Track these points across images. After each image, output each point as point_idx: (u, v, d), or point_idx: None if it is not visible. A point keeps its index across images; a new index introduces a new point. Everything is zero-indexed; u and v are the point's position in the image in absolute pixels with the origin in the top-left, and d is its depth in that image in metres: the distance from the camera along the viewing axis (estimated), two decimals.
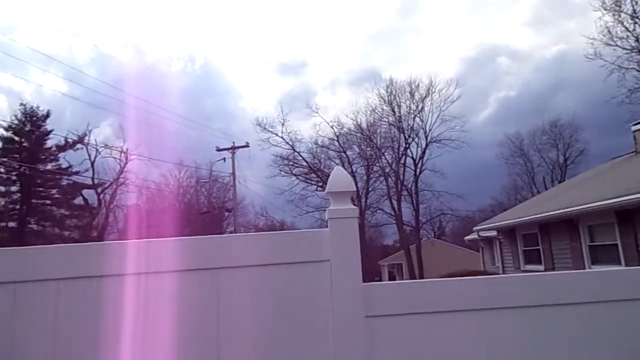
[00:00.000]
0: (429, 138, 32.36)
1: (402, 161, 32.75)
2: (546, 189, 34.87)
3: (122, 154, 33.71)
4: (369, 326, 2.06)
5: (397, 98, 32.85)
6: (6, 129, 30.63)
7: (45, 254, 2.06)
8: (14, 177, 30.75)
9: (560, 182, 34.01)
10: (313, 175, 33.46)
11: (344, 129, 33.26)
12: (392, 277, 38.84)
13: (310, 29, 62.57)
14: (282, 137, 32.33)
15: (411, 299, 2.13)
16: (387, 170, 33.09)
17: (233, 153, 30.41)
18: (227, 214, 35.64)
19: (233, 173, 30.41)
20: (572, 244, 12.97)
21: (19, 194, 30.69)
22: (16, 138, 31.11)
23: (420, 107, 32.52)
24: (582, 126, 40.13)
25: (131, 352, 1.98)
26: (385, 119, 33.28)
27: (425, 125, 32.58)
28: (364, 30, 64.67)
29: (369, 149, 33.63)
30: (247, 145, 30.90)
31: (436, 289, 2.19)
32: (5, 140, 30.81)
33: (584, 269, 11.76)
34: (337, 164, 33.28)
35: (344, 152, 33.41)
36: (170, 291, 2.04)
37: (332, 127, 33.12)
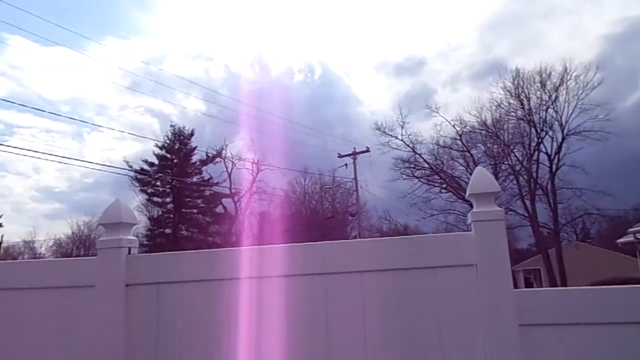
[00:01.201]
0: (565, 130, 28.99)
1: (534, 157, 29.90)
2: None
3: (254, 165, 36.66)
4: (524, 336, 1.96)
5: (526, 90, 30.12)
6: (160, 148, 35.57)
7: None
8: (168, 190, 35.45)
9: None
10: (436, 177, 32.35)
11: (467, 127, 31.53)
12: (528, 284, 35.64)
13: (425, 25, 60.82)
14: (402, 140, 31.76)
15: (572, 308, 1.97)
16: (518, 168, 30.50)
17: (354, 159, 30.99)
18: (350, 218, 36.31)
19: (355, 178, 30.98)
20: None
21: (172, 205, 35.26)
22: (168, 156, 35.88)
23: (553, 97, 29.35)
24: None
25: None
26: (513, 114, 30.74)
27: (561, 117, 29.26)
28: (483, 21, 60.78)
29: (495, 146, 31.37)
30: (367, 150, 31.22)
31: (600, 297, 1.99)
32: (160, 158, 35.69)
33: None
34: (461, 165, 31.77)
35: (468, 152, 31.63)
36: (314, 292, 2.18)
37: (453, 126, 31.61)
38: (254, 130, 36.22)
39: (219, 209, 37.05)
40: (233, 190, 36.66)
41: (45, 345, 2.47)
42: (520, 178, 30.35)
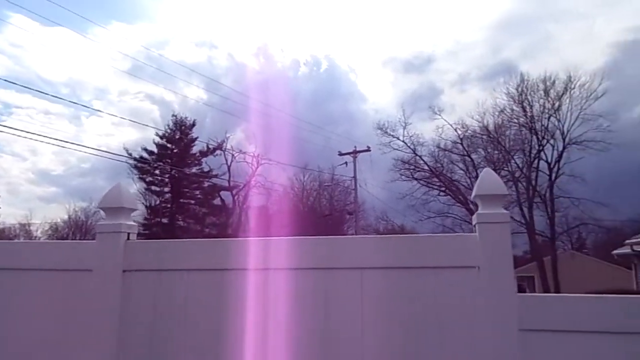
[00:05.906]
0: (567, 140, 28.95)
1: (534, 165, 29.94)
2: None
3: (254, 159, 36.59)
4: (523, 340, 1.94)
5: (529, 97, 30.06)
6: (161, 137, 35.43)
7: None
8: (167, 179, 35.39)
9: None
10: (435, 179, 32.36)
11: (469, 132, 31.50)
12: (521, 290, 35.72)
13: (436, 21, 59.36)
14: (403, 141, 31.71)
15: (573, 315, 1.95)
16: (517, 174, 30.52)
17: (355, 157, 30.99)
18: (348, 217, 36.32)
19: (354, 177, 30.97)
20: None
21: (170, 194, 35.21)
22: (168, 145, 35.75)
23: (556, 105, 29.28)
24: None
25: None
26: (515, 120, 30.73)
27: (563, 126, 29.23)
28: (494, 21, 59.44)
29: (496, 152, 31.39)
30: (368, 150, 31.21)
31: (598, 305, 1.97)
32: (160, 147, 35.56)
33: None
34: (461, 169, 31.77)
35: (469, 156, 31.57)
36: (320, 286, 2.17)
37: (455, 129, 31.59)
38: (255, 122, 36.15)
39: (217, 201, 37.03)
40: (232, 183, 36.63)
41: (43, 327, 2.45)
42: (519, 185, 30.39)
